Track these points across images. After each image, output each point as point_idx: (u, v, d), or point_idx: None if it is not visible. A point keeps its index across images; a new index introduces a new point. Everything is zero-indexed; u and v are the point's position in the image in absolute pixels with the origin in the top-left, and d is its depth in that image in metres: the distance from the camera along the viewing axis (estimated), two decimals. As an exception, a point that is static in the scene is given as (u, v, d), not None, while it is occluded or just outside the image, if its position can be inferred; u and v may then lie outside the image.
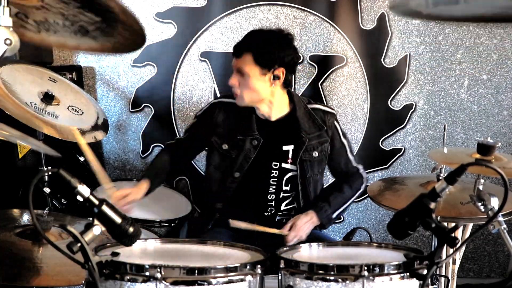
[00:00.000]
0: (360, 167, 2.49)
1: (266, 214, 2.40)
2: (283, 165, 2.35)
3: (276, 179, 2.36)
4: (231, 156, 2.35)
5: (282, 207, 2.39)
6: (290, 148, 2.35)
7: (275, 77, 2.26)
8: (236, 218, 2.30)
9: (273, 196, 2.37)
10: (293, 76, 3.12)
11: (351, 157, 2.47)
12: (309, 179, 2.37)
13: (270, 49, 2.25)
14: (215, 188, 2.40)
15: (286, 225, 2.27)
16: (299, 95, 3.09)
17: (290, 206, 2.40)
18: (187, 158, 2.63)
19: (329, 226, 2.46)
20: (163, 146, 3.25)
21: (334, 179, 2.60)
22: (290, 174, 2.36)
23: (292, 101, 2.38)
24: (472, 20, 1.75)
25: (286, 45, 2.30)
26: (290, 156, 2.34)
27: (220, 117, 2.37)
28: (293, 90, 3.14)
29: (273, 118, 2.35)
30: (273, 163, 2.35)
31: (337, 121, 2.44)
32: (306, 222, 2.27)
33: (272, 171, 2.35)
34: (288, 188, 2.38)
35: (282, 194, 2.38)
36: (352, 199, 2.44)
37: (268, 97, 2.30)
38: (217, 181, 2.40)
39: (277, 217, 2.41)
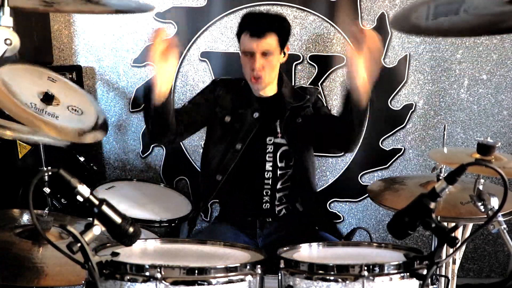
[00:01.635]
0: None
1: (264, 207, 2.44)
2: (275, 140, 2.41)
3: (271, 155, 2.41)
4: (234, 128, 2.41)
5: (278, 186, 2.43)
6: (278, 122, 2.41)
7: (284, 54, 2.40)
8: (236, 215, 2.42)
9: (270, 174, 2.41)
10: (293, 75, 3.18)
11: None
12: (300, 151, 2.42)
13: (288, 28, 2.41)
14: (216, 160, 2.43)
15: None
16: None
17: (286, 185, 2.44)
18: (187, 123, 2.41)
19: None
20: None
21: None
22: (282, 148, 2.42)
23: (280, 78, 2.46)
24: (472, 33, 1.75)
25: (287, 20, 2.45)
26: (278, 130, 2.40)
27: (222, 92, 2.45)
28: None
29: (268, 94, 2.44)
30: (268, 138, 2.41)
31: (321, 95, 2.57)
32: None
33: (268, 146, 2.41)
34: (283, 164, 2.43)
35: (278, 172, 2.42)
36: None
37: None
38: (219, 153, 2.43)
39: (276, 209, 2.45)
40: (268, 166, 2.41)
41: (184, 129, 2.38)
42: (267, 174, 2.41)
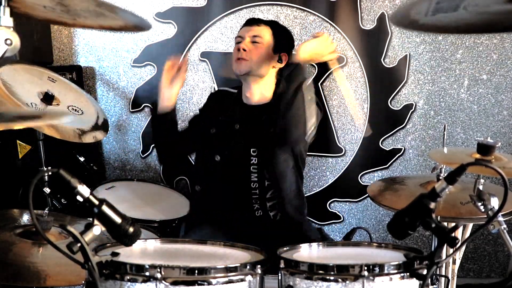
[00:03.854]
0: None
1: (258, 214, 2.38)
2: (261, 149, 2.34)
3: (256, 167, 2.34)
4: (215, 139, 2.39)
5: (268, 195, 2.36)
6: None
7: (279, 60, 2.38)
8: (224, 217, 2.35)
9: (256, 185, 2.35)
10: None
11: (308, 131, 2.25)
12: (275, 162, 2.31)
13: (286, 33, 2.44)
14: (196, 170, 2.47)
15: None
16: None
17: (276, 194, 2.37)
18: (188, 147, 2.57)
19: None
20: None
21: None
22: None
23: (278, 87, 2.40)
24: (468, 30, 1.75)
25: (292, 36, 2.49)
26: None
27: (213, 102, 2.47)
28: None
29: (256, 102, 2.39)
30: (252, 149, 2.34)
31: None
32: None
33: (252, 158, 2.34)
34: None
35: (266, 182, 2.35)
36: None
37: (264, 76, 2.37)
38: (200, 164, 2.46)
39: (270, 214, 2.39)
40: (253, 177, 2.34)
41: (189, 149, 2.56)
42: (253, 185, 2.34)
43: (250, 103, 2.39)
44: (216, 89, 3.19)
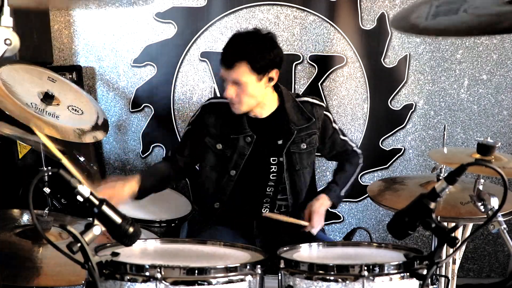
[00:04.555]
0: (354, 145, 2.56)
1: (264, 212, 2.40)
2: (281, 159, 2.35)
3: (275, 174, 2.36)
4: (226, 155, 2.35)
5: (279, 196, 2.39)
6: (281, 142, 2.35)
7: (270, 79, 2.27)
8: (234, 216, 2.35)
9: (271, 189, 2.37)
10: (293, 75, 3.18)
11: (345, 138, 2.52)
12: (298, 172, 2.37)
13: (263, 54, 2.23)
14: (212, 188, 2.39)
15: (305, 216, 2.26)
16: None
17: (285, 196, 2.40)
18: (187, 165, 2.48)
19: (339, 205, 2.44)
20: (162, 146, 3.27)
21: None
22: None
23: (280, 95, 2.38)
24: (469, 33, 1.75)
25: (274, 45, 2.29)
26: (285, 150, 2.36)
27: (212, 118, 2.38)
28: (293, 89, 3.17)
29: (264, 116, 2.36)
30: (271, 158, 2.35)
31: (328, 111, 2.46)
32: (321, 206, 2.28)
33: (271, 166, 2.35)
34: (289, 181, 2.38)
35: (280, 186, 2.38)
36: (355, 175, 2.50)
37: (262, 99, 2.30)
38: (214, 181, 2.39)
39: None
40: (271, 182, 2.37)
41: (186, 166, 2.46)
42: (268, 189, 2.37)
43: (257, 117, 2.37)
44: (216, 89, 3.19)
